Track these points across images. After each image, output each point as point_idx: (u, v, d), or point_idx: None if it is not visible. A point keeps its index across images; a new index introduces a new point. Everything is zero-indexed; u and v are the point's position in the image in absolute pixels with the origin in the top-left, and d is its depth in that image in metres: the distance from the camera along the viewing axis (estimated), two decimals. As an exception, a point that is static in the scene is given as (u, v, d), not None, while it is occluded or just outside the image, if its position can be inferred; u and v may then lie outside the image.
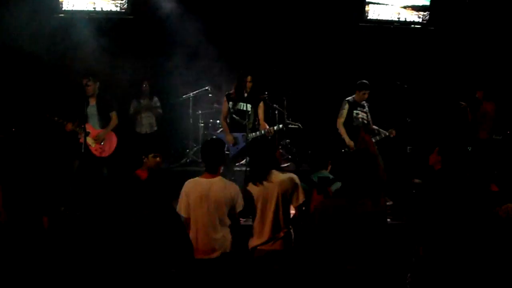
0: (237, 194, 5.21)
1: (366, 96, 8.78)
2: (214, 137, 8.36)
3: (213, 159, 5.29)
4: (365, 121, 8.85)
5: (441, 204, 5.10)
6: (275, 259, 5.15)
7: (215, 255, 5.14)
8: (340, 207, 4.36)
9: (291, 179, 5.26)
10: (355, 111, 8.80)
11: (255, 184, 5.20)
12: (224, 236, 5.18)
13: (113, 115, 8.73)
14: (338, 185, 6.26)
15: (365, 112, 8.86)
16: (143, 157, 6.48)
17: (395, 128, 8.88)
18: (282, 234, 5.17)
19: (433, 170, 5.79)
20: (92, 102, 8.56)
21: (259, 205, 5.19)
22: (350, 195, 4.38)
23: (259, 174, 5.21)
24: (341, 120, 8.80)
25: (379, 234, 4.36)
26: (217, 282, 5.17)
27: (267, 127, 8.32)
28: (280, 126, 8.41)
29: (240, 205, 5.23)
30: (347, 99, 8.89)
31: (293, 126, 8.67)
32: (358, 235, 4.28)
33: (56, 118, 8.27)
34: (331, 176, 6.31)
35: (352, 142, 8.65)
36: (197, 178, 5.31)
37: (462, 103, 9.42)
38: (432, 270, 4.95)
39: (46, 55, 10.05)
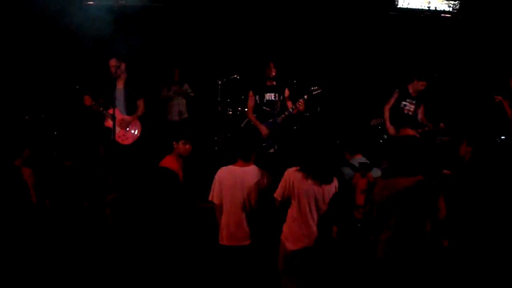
0: (271, 184, 5.23)
1: (423, 87, 8.58)
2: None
3: (246, 147, 5.31)
4: (410, 113, 8.74)
5: (470, 195, 5.11)
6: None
7: (246, 242, 5.22)
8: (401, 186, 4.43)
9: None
10: (403, 102, 8.67)
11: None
12: (256, 224, 5.24)
13: (141, 102, 8.44)
14: (376, 171, 6.41)
15: (414, 104, 8.74)
16: (174, 142, 6.57)
17: (444, 120, 8.75)
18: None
19: (464, 161, 5.80)
20: (120, 85, 8.26)
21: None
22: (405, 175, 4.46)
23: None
24: (387, 106, 8.70)
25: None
26: (248, 269, 5.24)
27: (292, 106, 8.30)
28: (305, 96, 8.34)
29: (271, 194, 5.19)
30: (398, 88, 8.75)
31: (317, 92, 8.60)
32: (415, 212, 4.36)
33: (83, 94, 8.05)
34: (368, 162, 6.44)
35: (392, 128, 8.60)
36: (230, 166, 5.33)
37: (498, 97, 9.21)
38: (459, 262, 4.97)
39: (78, 42, 10.16)
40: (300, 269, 5.10)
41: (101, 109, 8.11)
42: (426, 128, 8.62)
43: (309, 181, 4.98)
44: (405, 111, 8.66)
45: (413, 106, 8.66)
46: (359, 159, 6.63)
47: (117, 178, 8.09)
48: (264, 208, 5.26)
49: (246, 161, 5.29)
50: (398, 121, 8.62)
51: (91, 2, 10.44)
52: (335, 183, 5.10)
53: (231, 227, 5.22)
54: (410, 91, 8.65)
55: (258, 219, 5.26)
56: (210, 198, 5.33)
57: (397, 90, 8.71)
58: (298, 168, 5.04)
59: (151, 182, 6.50)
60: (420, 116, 8.73)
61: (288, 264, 5.14)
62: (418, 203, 4.36)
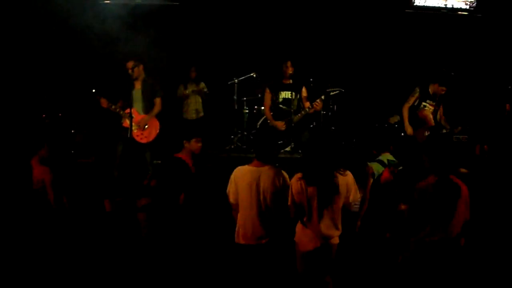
0: (286, 185, 5.22)
1: (443, 92, 8.51)
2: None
3: (264, 148, 5.33)
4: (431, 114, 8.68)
5: (487, 194, 5.09)
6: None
7: (262, 241, 5.22)
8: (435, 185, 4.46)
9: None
10: (423, 103, 8.61)
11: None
12: (271, 224, 5.23)
13: (158, 101, 8.63)
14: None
15: (433, 106, 8.68)
16: (184, 141, 6.61)
17: (462, 123, 8.67)
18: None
19: (481, 160, 5.78)
20: (137, 86, 8.51)
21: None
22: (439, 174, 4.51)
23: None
24: (407, 105, 8.60)
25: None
26: (263, 268, 5.26)
27: (309, 105, 8.31)
28: (322, 97, 8.36)
29: (288, 196, 5.17)
30: (419, 87, 8.65)
31: (334, 92, 8.60)
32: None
33: (99, 97, 8.27)
34: (396, 160, 6.59)
35: (410, 127, 8.55)
36: (246, 166, 5.35)
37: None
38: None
39: (95, 41, 10.21)
40: (318, 269, 5.09)
41: (118, 109, 8.29)
42: (444, 130, 8.57)
43: (311, 188, 4.98)
44: (425, 112, 8.60)
45: (432, 108, 8.60)
46: (387, 156, 6.70)
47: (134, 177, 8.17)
48: (280, 208, 5.26)
49: (262, 161, 5.29)
50: (416, 121, 8.57)
51: (108, 1, 10.47)
52: (343, 180, 5.06)
53: (247, 226, 5.24)
54: (430, 92, 8.59)
55: (274, 218, 5.25)
56: (228, 195, 5.37)
57: (419, 90, 8.64)
58: (300, 175, 5.04)
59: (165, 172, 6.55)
60: (438, 117, 8.69)
61: (306, 265, 5.14)
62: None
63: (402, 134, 8.63)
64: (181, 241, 6.28)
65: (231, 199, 5.34)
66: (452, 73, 9.51)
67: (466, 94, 10.16)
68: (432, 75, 8.68)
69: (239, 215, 5.31)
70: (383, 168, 6.75)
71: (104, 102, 8.27)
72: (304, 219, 5.06)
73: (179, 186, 6.51)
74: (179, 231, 6.35)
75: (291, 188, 5.07)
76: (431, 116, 8.43)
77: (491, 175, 5.60)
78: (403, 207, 5.59)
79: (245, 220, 5.25)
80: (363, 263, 5.75)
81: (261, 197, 5.18)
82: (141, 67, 8.50)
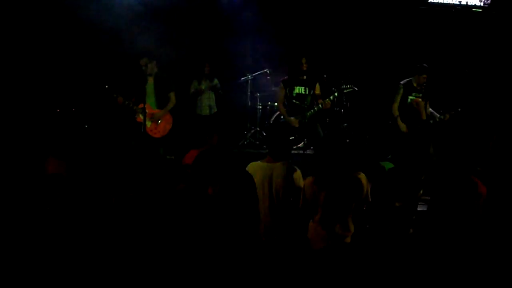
0: (299, 182, 5.22)
1: (424, 80, 8.62)
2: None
3: (277, 144, 5.31)
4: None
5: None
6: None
7: (273, 238, 5.20)
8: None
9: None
10: (409, 97, 8.71)
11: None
12: (283, 220, 5.23)
13: (172, 95, 8.68)
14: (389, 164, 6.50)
15: (420, 97, 8.75)
16: (207, 137, 6.65)
17: (452, 111, 8.73)
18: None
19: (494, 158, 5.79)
20: (150, 80, 8.54)
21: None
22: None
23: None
24: (395, 105, 8.75)
25: None
26: (274, 265, 5.26)
27: (322, 101, 8.35)
28: (336, 94, 8.41)
29: (300, 197, 5.17)
30: (401, 82, 8.80)
31: (348, 90, 8.63)
32: None
33: (116, 96, 8.33)
34: None
35: (404, 125, 8.61)
36: (259, 162, 5.34)
37: None
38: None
39: (108, 35, 10.27)
40: (330, 268, 5.10)
41: (131, 105, 8.35)
42: (431, 121, 8.62)
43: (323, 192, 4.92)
44: (414, 105, 8.66)
45: (420, 100, 8.66)
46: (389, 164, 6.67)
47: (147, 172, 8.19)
48: (292, 205, 5.27)
49: (275, 157, 5.29)
50: (409, 117, 8.61)
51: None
52: (360, 181, 5.00)
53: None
54: (415, 84, 8.66)
55: (286, 215, 5.25)
56: None
57: (401, 85, 8.73)
58: (312, 179, 4.99)
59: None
60: (428, 110, 8.76)
61: (317, 263, 5.14)
62: None
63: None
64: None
65: None
66: (467, 70, 9.55)
67: (480, 88, 10.13)
68: (411, 68, 8.80)
69: None
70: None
71: (120, 100, 8.32)
72: (316, 218, 5.01)
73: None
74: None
75: (304, 191, 5.04)
76: (423, 109, 8.49)
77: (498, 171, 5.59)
78: (397, 204, 5.60)
79: (257, 216, 5.25)
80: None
81: (274, 193, 5.16)
82: (154, 63, 8.55)
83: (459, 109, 8.68)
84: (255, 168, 5.29)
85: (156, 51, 8.94)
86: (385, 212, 5.38)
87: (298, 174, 5.31)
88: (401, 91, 8.73)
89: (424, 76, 8.62)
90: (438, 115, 8.73)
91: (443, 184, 4.72)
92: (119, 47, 10.22)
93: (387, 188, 5.31)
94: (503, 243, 5.04)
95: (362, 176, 5.02)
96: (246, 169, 5.31)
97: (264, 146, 9.96)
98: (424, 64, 8.70)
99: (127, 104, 8.33)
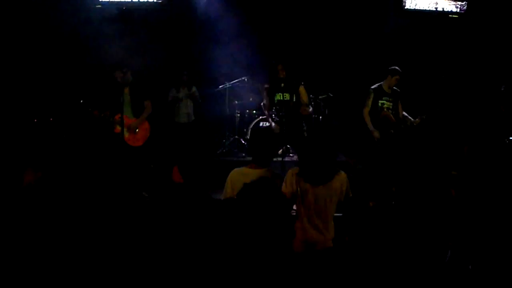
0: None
1: (396, 82, 8.69)
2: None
3: (260, 150, 5.28)
4: (390, 111, 8.79)
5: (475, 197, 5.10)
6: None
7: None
8: None
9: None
10: (380, 101, 8.76)
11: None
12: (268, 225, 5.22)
13: (147, 103, 8.63)
14: None
15: (391, 101, 8.80)
16: None
17: (423, 115, 8.76)
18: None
19: (468, 162, 5.82)
20: (126, 90, 8.46)
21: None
22: None
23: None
24: (366, 110, 8.79)
25: None
26: (259, 271, 5.24)
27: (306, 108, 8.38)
28: (312, 103, 8.44)
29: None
30: (372, 87, 8.85)
31: (323, 96, 8.64)
32: None
33: (91, 110, 8.30)
34: None
35: (376, 131, 8.65)
36: (243, 168, 5.30)
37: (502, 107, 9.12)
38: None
39: (83, 45, 10.24)
40: (313, 271, 5.08)
41: (108, 117, 8.33)
42: (402, 126, 8.67)
43: (307, 184, 4.92)
44: (385, 109, 8.71)
45: (391, 104, 8.72)
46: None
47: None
48: (276, 210, 5.25)
49: (259, 164, 5.26)
50: (380, 122, 8.66)
51: (99, 6, 10.48)
52: (338, 181, 5.01)
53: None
54: (385, 88, 8.70)
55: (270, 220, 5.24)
56: (222, 198, 5.31)
57: (372, 90, 8.80)
58: (297, 170, 4.99)
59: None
60: (400, 114, 8.87)
61: (300, 266, 5.12)
62: None
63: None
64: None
65: None
66: (443, 76, 9.59)
67: (454, 94, 10.20)
68: (383, 72, 8.89)
69: None
70: None
71: (96, 113, 8.29)
72: (298, 224, 5.00)
73: None
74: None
75: (286, 180, 5.00)
76: (391, 115, 8.55)
77: (477, 177, 5.61)
78: (371, 204, 5.61)
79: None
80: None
81: None
82: (128, 73, 8.50)
83: (428, 114, 8.72)
84: (238, 174, 5.27)
85: (133, 59, 8.92)
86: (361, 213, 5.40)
87: (281, 180, 5.24)
88: (372, 95, 8.79)
89: (396, 77, 8.67)
90: (412, 119, 8.77)
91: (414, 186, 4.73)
92: (94, 58, 10.19)
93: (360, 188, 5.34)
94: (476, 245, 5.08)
95: (343, 175, 5.05)
96: (229, 175, 5.30)
97: (243, 154, 9.96)
98: (396, 67, 8.75)
99: (103, 116, 8.28)
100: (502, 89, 9.07)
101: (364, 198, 5.57)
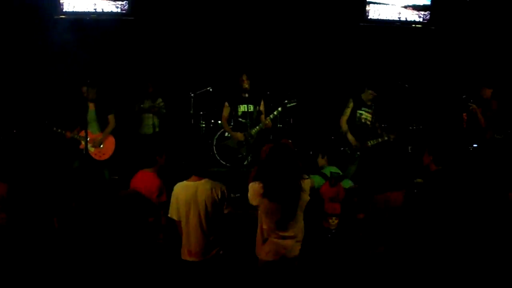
0: (224, 195, 5.29)
1: (371, 96, 8.68)
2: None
3: (199, 162, 5.36)
4: (368, 122, 8.80)
5: (440, 206, 5.14)
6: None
7: (207, 257, 5.25)
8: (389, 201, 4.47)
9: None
10: (359, 111, 8.75)
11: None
12: (215, 238, 5.28)
13: (111, 118, 8.78)
14: (348, 182, 6.59)
15: (370, 113, 8.82)
16: (157, 157, 6.71)
17: (397, 130, 8.78)
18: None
19: (429, 171, 5.86)
20: (91, 107, 8.61)
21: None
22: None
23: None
24: (344, 118, 8.76)
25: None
26: (210, 284, 5.25)
27: (263, 119, 8.37)
28: (280, 109, 8.41)
29: (227, 206, 5.31)
30: (352, 97, 8.84)
31: (292, 104, 8.63)
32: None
33: (56, 129, 8.40)
34: (341, 172, 6.81)
35: (354, 139, 8.63)
36: (184, 182, 5.39)
37: (472, 105, 9.19)
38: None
39: (46, 58, 10.13)
40: (276, 281, 5.06)
41: (77, 136, 8.48)
42: (380, 139, 8.68)
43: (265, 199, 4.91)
44: (363, 120, 8.73)
45: (370, 115, 8.74)
46: (330, 169, 6.79)
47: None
48: (220, 221, 5.31)
49: (199, 175, 5.33)
50: (357, 132, 8.69)
51: (63, 16, 10.37)
52: (305, 192, 5.01)
53: (191, 242, 5.26)
54: (364, 99, 8.75)
55: (216, 231, 5.30)
56: (169, 215, 5.40)
57: (352, 100, 8.80)
58: (259, 183, 4.96)
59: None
60: (377, 125, 8.90)
61: (263, 276, 5.12)
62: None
63: (342, 148, 8.73)
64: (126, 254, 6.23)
65: (174, 216, 5.34)
66: (406, 85, 9.65)
67: (415, 103, 10.27)
68: (362, 83, 8.91)
69: (183, 232, 5.33)
70: (324, 181, 6.87)
71: (68, 134, 8.44)
72: (263, 231, 5.00)
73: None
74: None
75: (250, 194, 5.01)
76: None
77: (442, 185, 5.65)
78: (361, 216, 5.64)
79: (188, 236, 5.27)
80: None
81: (201, 211, 5.20)
82: (94, 90, 8.58)
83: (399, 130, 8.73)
84: (181, 188, 5.36)
85: (97, 73, 8.90)
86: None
87: (223, 188, 5.34)
88: (351, 104, 8.76)
89: (370, 92, 8.68)
90: (387, 135, 8.71)
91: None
92: (58, 70, 10.08)
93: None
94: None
95: (307, 182, 5.06)
96: (173, 190, 5.40)
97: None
98: (372, 81, 8.81)
99: (76, 138, 8.44)
100: (464, 97, 9.17)
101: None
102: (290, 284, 5.00)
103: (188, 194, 5.22)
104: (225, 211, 5.29)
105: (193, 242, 5.23)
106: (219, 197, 5.24)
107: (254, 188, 4.96)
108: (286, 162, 4.90)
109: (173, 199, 5.33)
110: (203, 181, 5.29)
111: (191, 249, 5.24)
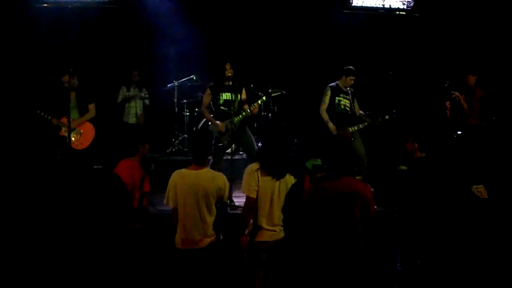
0: (225, 185, 5.29)
1: (352, 82, 8.77)
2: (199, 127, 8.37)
3: (200, 151, 5.33)
4: (347, 109, 8.84)
5: (425, 194, 5.12)
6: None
7: (203, 244, 5.22)
8: (323, 188, 4.41)
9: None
10: (337, 98, 8.81)
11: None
12: (212, 226, 5.26)
13: (91, 107, 8.59)
14: (317, 161, 6.53)
15: (348, 99, 8.85)
16: (140, 146, 6.69)
17: (381, 115, 8.81)
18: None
19: (413, 158, 5.85)
20: (73, 95, 8.43)
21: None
22: (330, 176, 4.44)
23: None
24: (323, 107, 8.82)
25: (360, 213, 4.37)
26: (206, 272, 5.22)
27: (247, 107, 8.33)
28: (264, 98, 8.37)
29: (227, 196, 5.41)
30: (329, 85, 8.92)
31: (276, 93, 8.59)
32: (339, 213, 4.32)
33: (40, 112, 8.22)
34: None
35: (334, 127, 8.67)
36: (184, 170, 5.34)
37: (455, 93, 9.22)
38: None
39: (29, 46, 10.04)
40: (266, 263, 5.08)
41: (59, 123, 8.31)
42: (361, 125, 8.73)
43: (267, 177, 5.04)
44: (342, 107, 8.76)
45: (348, 101, 8.78)
46: (312, 161, 6.72)
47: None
48: (219, 211, 5.30)
49: (199, 164, 5.29)
50: (337, 119, 8.75)
51: (45, 4, 10.26)
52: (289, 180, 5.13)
53: (186, 230, 5.22)
54: (342, 86, 8.78)
55: (213, 221, 5.27)
56: (165, 202, 5.36)
57: (329, 87, 8.89)
58: (257, 165, 5.11)
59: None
60: (357, 112, 8.98)
61: (255, 258, 5.15)
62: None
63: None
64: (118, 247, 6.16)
65: (171, 203, 5.29)
66: (390, 72, 9.65)
67: (398, 90, 10.28)
68: (340, 71, 8.95)
69: (179, 219, 5.29)
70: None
71: (54, 121, 8.27)
72: (259, 214, 5.11)
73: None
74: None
75: (246, 179, 5.13)
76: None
77: (426, 173, 5.64)
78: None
79: (184, 224, 5.23)
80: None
81: (200, 200, 5.17)
82: (75, 77, 8.44)
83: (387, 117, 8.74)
84: (180, 176, 5.32)
85: (80, 60, 8.82)
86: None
87: (223, 178, 5.35)
88: (329, 92, 8.83)
89: (351, 77, 8.73)
90: (369, 120, 8.77)
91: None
92: (40, 59, 9.99)
93: None
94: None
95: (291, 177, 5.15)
96: (171, 178, 5.32)
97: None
98: (351, 67, 8.81)
99: (59, 125, 8.28)
100: (446, 85, 9.21)
101: None
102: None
103: (187, 183, 5.19)
104: (226, 200, 5.39)
105: (190, 230, 5.20)
106: (220, 187, 5.23)
107: (250, 168, 5.17)
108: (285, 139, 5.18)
109: (170, 187, 5.29)
110: (204, 170, 5.27)
111: (187, 237, 5.21)
